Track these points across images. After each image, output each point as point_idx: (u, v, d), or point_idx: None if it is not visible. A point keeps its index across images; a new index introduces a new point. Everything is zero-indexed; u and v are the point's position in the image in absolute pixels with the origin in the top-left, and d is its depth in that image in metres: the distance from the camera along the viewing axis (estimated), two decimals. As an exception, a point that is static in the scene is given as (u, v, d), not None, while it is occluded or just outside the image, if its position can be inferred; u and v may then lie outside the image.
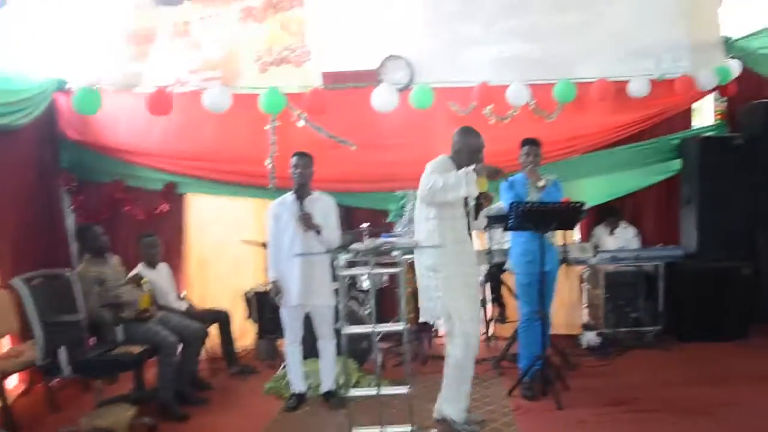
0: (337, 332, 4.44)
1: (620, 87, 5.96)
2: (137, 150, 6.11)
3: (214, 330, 5.53)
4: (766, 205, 5.85)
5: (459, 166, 3.87)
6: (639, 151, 6.25)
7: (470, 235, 4.04)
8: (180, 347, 4.72)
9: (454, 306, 3.87)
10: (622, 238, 6.27)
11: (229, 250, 6.32)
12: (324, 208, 4.59)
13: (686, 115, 6.50)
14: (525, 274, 4.61)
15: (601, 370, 5.22)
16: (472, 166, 3.71)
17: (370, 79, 6.06)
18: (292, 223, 4.51)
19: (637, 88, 5.89)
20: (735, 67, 6.11)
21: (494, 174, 3.75)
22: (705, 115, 6.54)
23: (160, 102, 5.75)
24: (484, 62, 6.10)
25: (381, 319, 5.74)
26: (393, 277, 5.82)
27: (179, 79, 6.19)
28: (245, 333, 6.22)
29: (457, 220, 3.92)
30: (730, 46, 6.21)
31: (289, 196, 4.59)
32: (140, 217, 6.14)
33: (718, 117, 6.39)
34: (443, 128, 6.09)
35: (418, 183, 6.06)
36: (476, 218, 4.11)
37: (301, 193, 4.55)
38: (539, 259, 4.39)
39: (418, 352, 5.68)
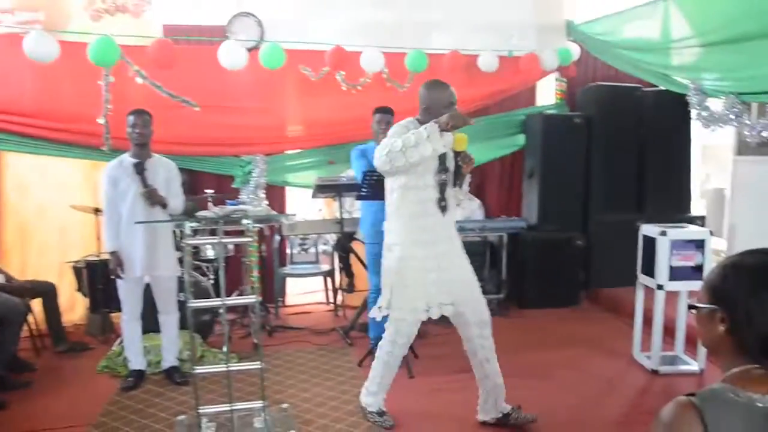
0: (181, 305, 4.14)
1: (471, 61, 6.03)
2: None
3: (37, 305, 4.97)
4: (599, 182, 6.24)
5: None
6: (486, 125, 6.39)
7: (444, 207, 3.47)
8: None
9: (395, 291, 3.48)
10: (468, 209, 6.42)
11: (54, 216, 5.69)
12: (166, 173, 4.23)
13: (531, 92, 6.75)
14: (375, 243, 4.54)
15: (448, 338, 5.29)
16: (434, 120, 3.21)
17: (216, 35, 5.67)
18: (132, 188, 4.11)
19: (487, 62, 6.00)
20: (575, 50, 6.40)
21: (461, 122, 3.20)
22: (547, 93, 6.81)
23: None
24: (337, 26, 5.89)
25: (226, 290, 5.54)
26: (238, 246, 5.57)
27: (-10, 18, 5.44)
28: (74, 307, 5.67)
29: (424, 190, 3.40)
30: (571, 30, 6.49)
31: (127, 159, 4.18)
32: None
33: (559, 96, 6.68)
34: (293, 92, 5.92)
35: (266, 148, 5.91)
36: (456, 185, 3.54)
37: (140, 155, 4.16)
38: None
39: (264, 324, 5.48)
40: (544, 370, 4.54)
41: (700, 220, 6.29)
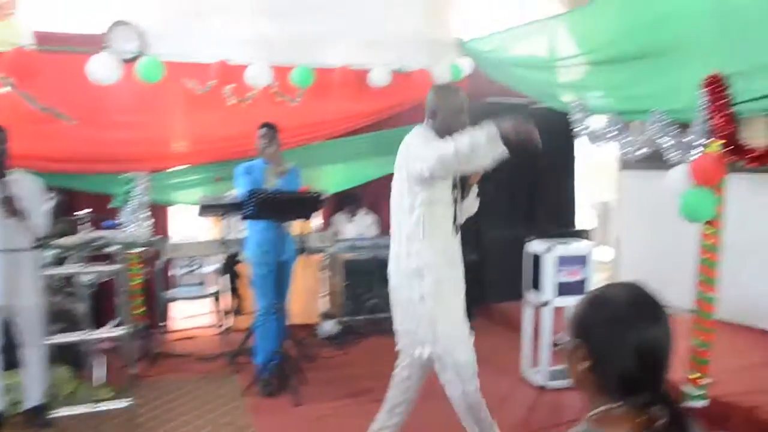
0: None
1: (361, 75, 5.96)
2: None
3: None
4: (491, 197, 6.25)
5: (439, 134, 3.06)
6: (379, 140, 6.33)
7: (458, 226, 3.19)
8: None
9: (443, 325, 3.04)
10: (362, 225, 6.35)
11: None
12: (28, 190, 3.87)
13: (424, 108, 6.72)
14: (261, 264, 4.37)
15: (339, 360, 5.19)
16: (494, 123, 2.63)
17: (93, 45, 5.31)
18: (-13, 208, 3.73)
19: (378, 77, 5.94)
20: (467, 66, 6.46)
21: (529, 137, 2.58)
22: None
23: None
24: (224, 38, 5.68)
25: (102, 317, 5.19)
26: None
27: None
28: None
29: (446, 206, 3.09)
30: (463, 46, 6.54)
31: (-21, 177, 3.80)
32: None
33: (450, 112, 6.69)
34: (178, 106, 5.64)
35: (148, 165, 5.58)
36: (462, 198, 3.19)
37: (-3, 172, 3.79)
38: (276, 250, 4.17)
39: (147, 351, 5.16)
40: (437, 389, 4.46)
41: (585, 234, 6.46)
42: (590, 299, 1.37)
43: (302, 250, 4.98)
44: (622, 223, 7.02)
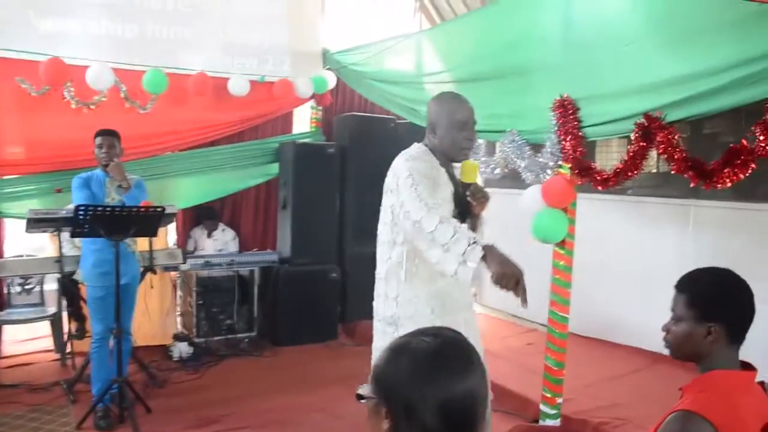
0: None
1: (220, 83, 5.67)
2: None
3: None
4: (354, 213, 6.19)
5: (440, 153, 2.60)
6: (239, 152, 6.07)
7: None
8: None
9: None
10: (221, 241, 6.05)
11: None
12: None
13: (288, 119, 6.55)
14: (98, 287, 3.98)
15: (192, 385, 4.85)
16: (474, 236, 2.24)
17: None
18: None
19: (237, 86, 5.68)
20: (331, 78, 6.34)
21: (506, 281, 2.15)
22: (303, 121, 6.67)
23: None
24: (67, 36, 5.20)
25: None
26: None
27: None
28: None
29: None
30: (327, 58, 6.41)
31: None
32: None
33: (314, 125, 6.56)
34: (12, 108, 5.09)
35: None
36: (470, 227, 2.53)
37: None
38: (115, 270, 3.80)
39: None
40: (294, 415, 4.28)
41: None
42: (392, 349, 1.23)
43: (149, 269, 4.60)
44: (486, 240, 7.14)
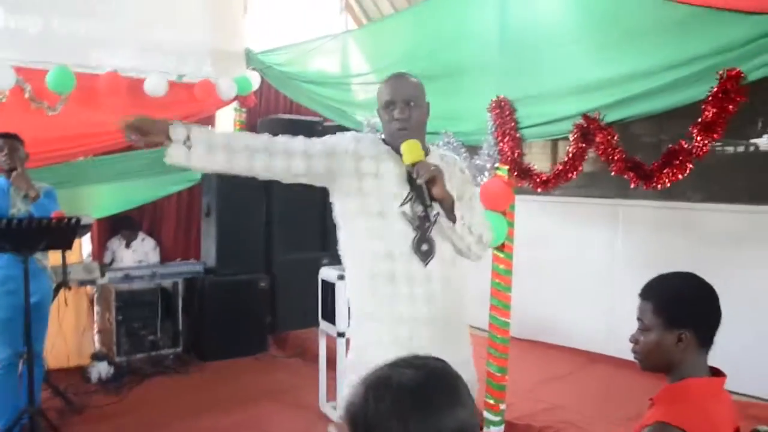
0: None
1: (135, 84, 5.32)
2: None
3: None
4: (282, 219, 5.96)
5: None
6: (158, 156, 5.67)
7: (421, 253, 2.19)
8: None
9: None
10: (141, 252, 5.70)
11: None
12: None
13: (209, 122, 6.25)
14: (4, 308, 3.61)
15: (113, 409, 4.50)
16: None
17: None
18: None
19: (153, 86, 5.33)
20: (255, 79, 6.09)
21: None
22: (227, 123, 6.39)
23: None
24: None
25: None
26: None
27: None
28: None
29: (379, 219, 2.22)
30: (251, 58, 6.16)
31: None
32: None
33: (237, 127, 6.29)
34: None
35: None
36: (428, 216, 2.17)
37: None
38: (22, 289, 3.46)
39: None
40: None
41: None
42: (369, 384, 1.08)
43: (63, 285, 4.23)
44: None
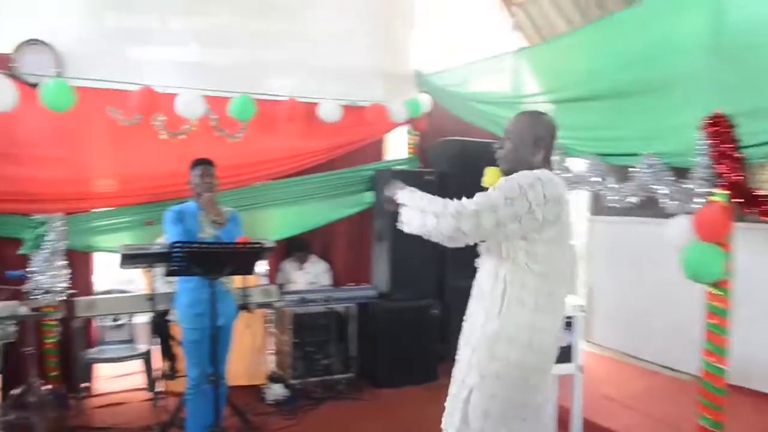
0: None
1: (311, 109, 5.39)
2: None
3: None
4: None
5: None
6: (331, 180, 5.76)
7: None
8: None
9: None
10: (313, 274, 5.73)
11: None
12: None
13: (380, 145, 6.22)
14: (193, 329, 3.68)
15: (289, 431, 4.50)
16: None
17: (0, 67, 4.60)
18: None
19: (327, 112, 5.37)
20: (425, 101, 5.98)
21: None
22: (399, 147, 6.33)
23: None
24: (156, 64, 5.05)
25: (12, 381, 4.42)
26: (24, 327, 4.44)
27: None
28: None
29: None
30: (421, 80, 6.06)
31: None
32: None
33: (410, 150, 6.20)
34: (103, 139, 4.94)
35: (66, 206, 4.85)
36: None
37: None
38: (211, 312, 3.50)
39: (60, 424, 4.37)
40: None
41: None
42: None
43: (244, 307, 4.29)
44: (593, 270, 6.61)
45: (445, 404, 2.52)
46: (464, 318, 2.60)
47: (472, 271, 2.56)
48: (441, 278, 5.73)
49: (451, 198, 2.27)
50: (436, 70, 6.06)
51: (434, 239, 2.30)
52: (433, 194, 2.36)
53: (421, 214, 2.30)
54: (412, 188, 2.43)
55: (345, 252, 6.06)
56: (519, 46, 6.79)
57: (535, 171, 2.33)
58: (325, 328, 5.27)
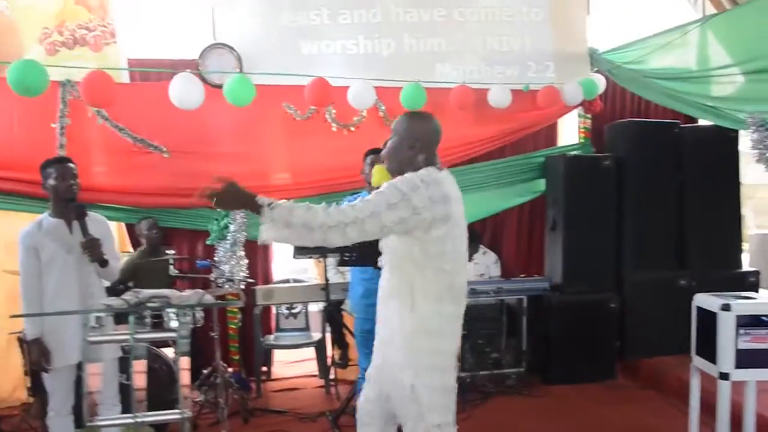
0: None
1: (480, 95, 5.24)
2: None
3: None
4: (633, 233, 5.35)
5: None
6: (501, 168, 5.61)
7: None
8: None
9: None
10: (483, 265, 5.60)
11: (1, 279, 4.91)
12: (99, 230, 3.42)
13: (551, 131, 5.95)
14: (366, 320, 3.70)
15: (460, 427, 4.41)
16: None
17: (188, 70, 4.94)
18: (60, 256, 3.30)
19: (498, 97, 5.20)
20: (600, 82, 5.61)
21: None
22: (569, 132, 6.02)
23: None
24: (327, 58, 5.18)
25: (197, 365, 4.74)
26: (209, 314, 4.72)
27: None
28: (24, 383, 4.86)
29: None
30: (596, 59, 5.69)
31: (48, 219, 3.37)
32: None
33: (583, 135, 5.85)
34: (278, 135, 5.17)
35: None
36: None
37: (69, 213, 3.36)
38: (384, 302, 3.48)
39: (241, 406, 4.62)
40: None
41: (753, 276, 5.41)
42: None
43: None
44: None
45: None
46: (377, 322, 2.77)
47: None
48: (618, 270, 5.35)
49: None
50: (612, 47, 5.66)
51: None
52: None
53: (309, 231, 2.33)
54: (279, 205, 2.38)
55: (515, 242, 5.88)
56: (704, 15, 6.20)
57: (420, 172, 2.46)
58: (495, 321, 5.12)
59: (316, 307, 5.60)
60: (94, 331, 2.40)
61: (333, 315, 4.64)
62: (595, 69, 5.73)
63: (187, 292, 3.12)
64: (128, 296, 2.35)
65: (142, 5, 5.16)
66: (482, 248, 5.67)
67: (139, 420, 2.41)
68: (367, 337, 3.73)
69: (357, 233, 2.34)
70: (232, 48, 5.00)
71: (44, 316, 3.28)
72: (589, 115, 5.80)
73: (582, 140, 5.83)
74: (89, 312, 2.59)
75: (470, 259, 5.55)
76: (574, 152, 5.69)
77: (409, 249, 2.47)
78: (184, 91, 4.43)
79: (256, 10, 5.17)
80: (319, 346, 5.25)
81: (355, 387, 4.26)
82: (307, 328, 5.47)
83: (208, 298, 2.50)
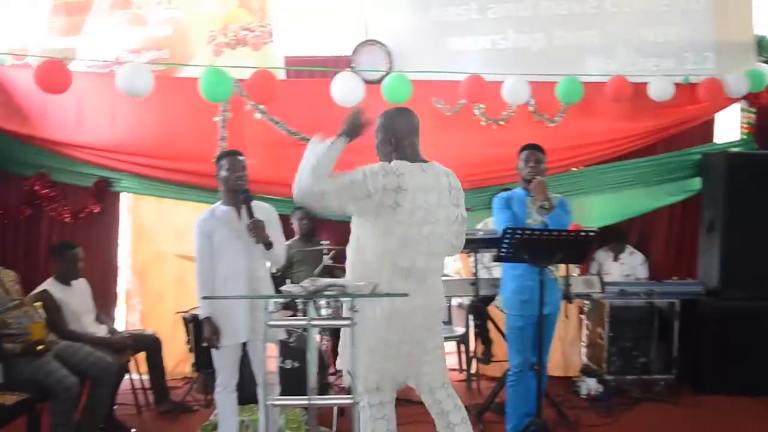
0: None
1: (637, 88, 5.06)
2: (67, 141, 5.12)
3: (142, 358, 4.60)
4: None
5: None
6: (652, 165, 5.39)
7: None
8: (87, 386, 3.81)
9: None
10: (629, 265, 5.41)
11: (171, 263, 5.35)
12: (265, 217, 3.64)
13: (707, 126, 5.63)
14: (518, 316, 3.68)
15: (604, 430, 4.31)
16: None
17: (341, 66, 5.12)
18: (230, 241, 3.55)
19: (659, 90, 4.99)
20: (768, 72, 5.26)
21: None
22: (728, 127, 5.67)
23: (50, 75, 4.64)
24: (476, 53, 5.20)
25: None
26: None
27: (118, 58, 5.24)
28: (189, 358, 5.28)
29: None
30: (764, 47, 5.33)
31: (220, 208, 3.63)
32: (66, 218, 5.16)
33: (746, 130, 5.50)
34: (426, 129, 5.10)
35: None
36: None
37: (239, 202, 3.60)
38: (538, 299, 3.45)
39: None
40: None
41: None
42: None
43: (565, 297, 4.16)
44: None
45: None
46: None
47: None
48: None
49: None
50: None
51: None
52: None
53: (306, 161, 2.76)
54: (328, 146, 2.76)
55: (664, 243, 5.63)
56: None
57: (392, 163, 2.75)
58: (644, 324, 4.91)
59: (458, 302, 5.64)
60: (271, 315, 2.55)
61: (480, 310, 4.66)
62: (763, 58, 5.37)
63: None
64: (306, 284, 2.47)
65: (298, 5, 5.37)
66: (629, 248, 5.48)
67: (313, 402, 2.53)
68: (519, 335, 3.73)
69: (324, 205, 2.73)
70: (383, 44, 5.13)
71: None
72: (753, 109, 5.44)
73: (744, 136, 5.49)
74: (271, 297, 2.76)
75: (615, 258, 5.41)
76: (736, 149, 5.37)
77: (362, 227, 2.78)
78: (347, 89, 4.62)
79: (406, 7, 5.27)
80: (462, 340, 5.28)
81: (500, 383, 4.27)
82: (449, 322, 5.51)
83: (381, 289, 2.59)
